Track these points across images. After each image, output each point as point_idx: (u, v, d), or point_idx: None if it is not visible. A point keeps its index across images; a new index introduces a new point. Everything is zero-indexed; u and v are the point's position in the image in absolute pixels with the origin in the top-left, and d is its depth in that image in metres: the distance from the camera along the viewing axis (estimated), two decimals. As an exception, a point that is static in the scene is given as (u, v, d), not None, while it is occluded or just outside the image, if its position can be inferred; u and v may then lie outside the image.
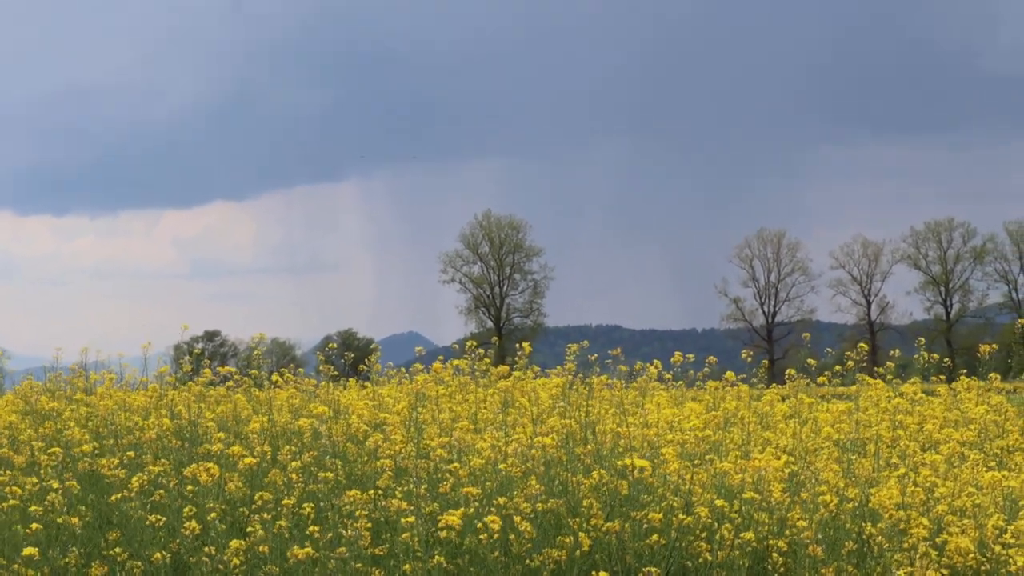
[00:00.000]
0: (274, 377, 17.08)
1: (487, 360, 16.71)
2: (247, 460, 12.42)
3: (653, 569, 10.82)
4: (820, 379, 17.34)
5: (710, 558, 11.32)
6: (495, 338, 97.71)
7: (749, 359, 17.22)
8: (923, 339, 19.35)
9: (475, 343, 16.74)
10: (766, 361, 30.17)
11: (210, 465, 11.99)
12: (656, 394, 16.54)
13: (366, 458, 13.31)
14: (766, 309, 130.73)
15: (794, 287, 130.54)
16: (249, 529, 11.61)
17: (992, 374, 17.96)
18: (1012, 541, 10.69)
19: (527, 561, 11.24)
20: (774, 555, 11.40)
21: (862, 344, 16.86)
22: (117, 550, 12.41)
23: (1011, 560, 10.51)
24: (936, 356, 17.63)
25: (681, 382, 18.50)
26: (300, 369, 18.06)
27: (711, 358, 17.55)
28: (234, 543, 11.10)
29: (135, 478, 12.46)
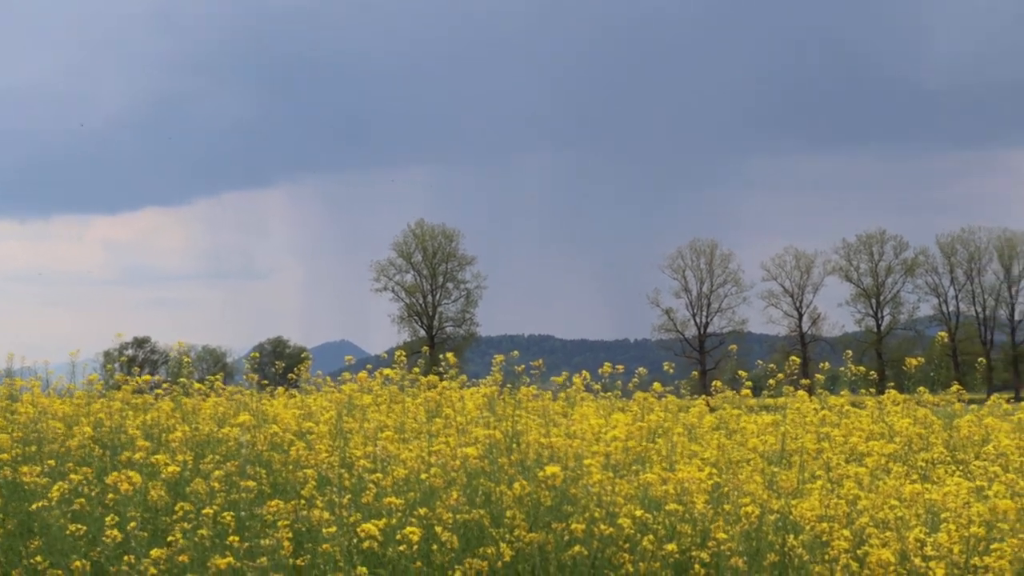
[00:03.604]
0: (196, 385, 16.96)
1: (416, 370, 16.67)
2: (170, 469, 12.34)
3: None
4: (744, 391, 17.43)
5: (632, 569, 11.33)
6: (425, 347, 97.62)
7: (672, 372, 17.26)
8: (850, 352, 19.52)
9: (404, 353, 16.67)
10: (696, 372, 30.30)
11: (132, 473, 11.90)
12: (583, 405, 16.57)
13: (290, 467, 13.25)
14: (698, 320, 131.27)
15: (726, 298, 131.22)
16: (170, 538, 11.53)
17: (921, 388, 18.11)
18: (933, 553, 10.76)
19: (449, 572, 11.22)
20: (696, 566, 11.43)
21: (794, 357, 16.96)
22: (38, 558, 12.30)
23: (931, 572, 10.59)
24: (863, 369, 17.77)
25: (610, 393, 18.55)
26: (219, 376, 17.92)
27: (641, 369, 17.57)
28: (154, 552, 11.02)
29: (56, 487, 12.34)
